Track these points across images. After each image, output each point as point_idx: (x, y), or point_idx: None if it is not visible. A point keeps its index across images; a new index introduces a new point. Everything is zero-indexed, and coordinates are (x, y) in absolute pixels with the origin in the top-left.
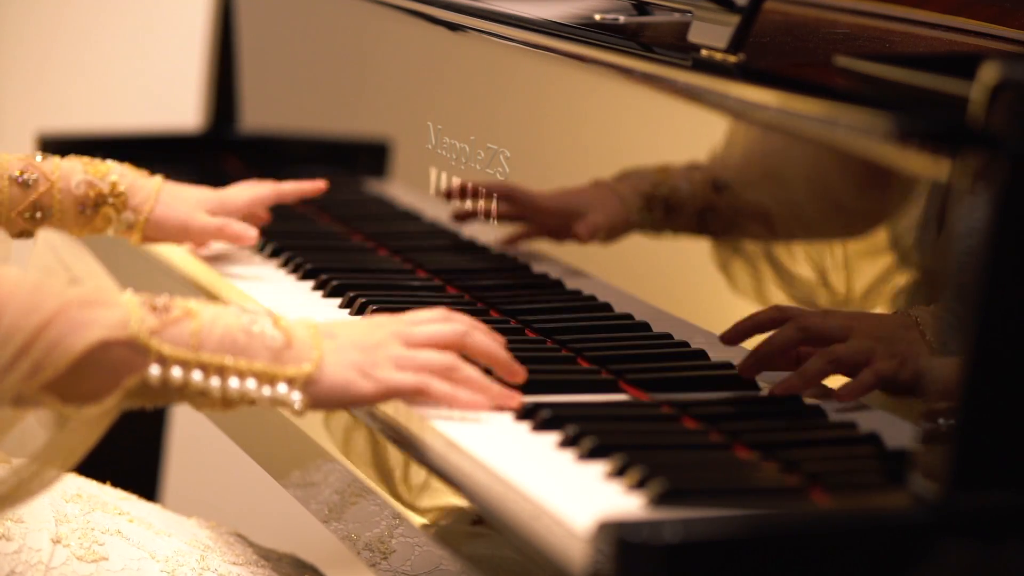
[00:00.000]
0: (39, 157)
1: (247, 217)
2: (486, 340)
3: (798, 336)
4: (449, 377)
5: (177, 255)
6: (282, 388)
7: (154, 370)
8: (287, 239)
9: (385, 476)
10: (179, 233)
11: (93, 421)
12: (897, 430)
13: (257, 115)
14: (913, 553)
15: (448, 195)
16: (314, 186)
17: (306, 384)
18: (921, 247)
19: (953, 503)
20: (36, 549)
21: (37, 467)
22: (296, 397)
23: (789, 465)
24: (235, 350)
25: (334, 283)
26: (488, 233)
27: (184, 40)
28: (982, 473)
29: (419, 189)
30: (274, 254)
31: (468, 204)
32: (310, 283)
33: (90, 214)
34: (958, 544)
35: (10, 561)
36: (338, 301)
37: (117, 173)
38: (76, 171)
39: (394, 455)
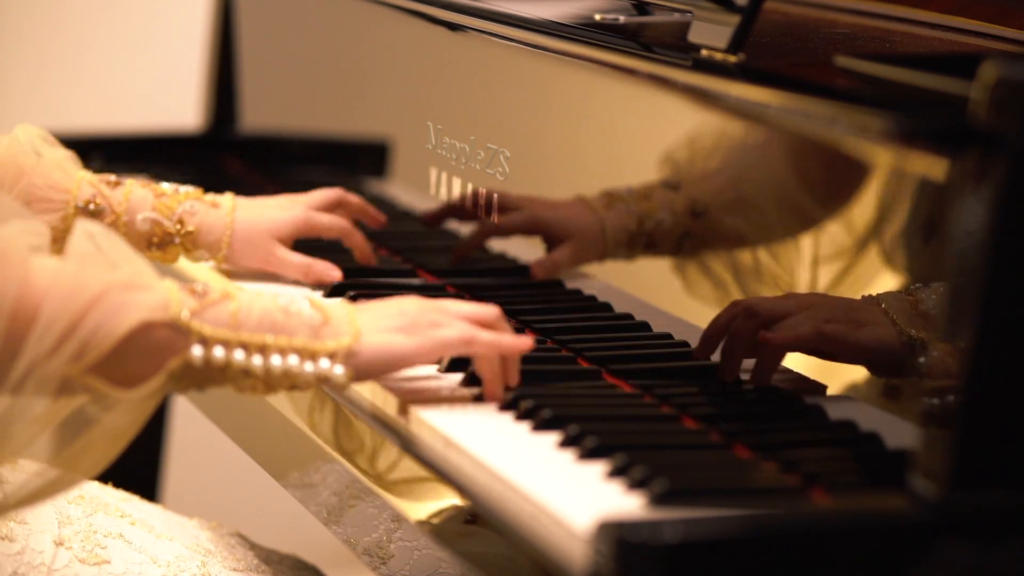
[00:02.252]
0: (112, 181)
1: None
2: (513, 334)
3: (751, 321)
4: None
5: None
6: (324, 363)
7: (196, 351)
8: None
9: (383, 476)
10: (258, 267)
11: (139, 404)
12: (897, 430)
13: (257, 115)
14: (913, 553)
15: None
16: (376, 217)
17: (347, 356)
18: (920, 247)
19: (953, 503)
20: (39, 551)
21: (83, 452)
22: (339, 371)
23: (789, 465)
24: (275, 329)
25: (334, 283)
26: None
27: (184, 40)
28: (982, 473)
29: (419, 189)
30: None
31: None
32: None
33: (156, 250)
34: (958, 544)
35: (12, 562)
36: (338, 301)
37: (187, 208)
38: (145, 204)
39: (393, 454)
